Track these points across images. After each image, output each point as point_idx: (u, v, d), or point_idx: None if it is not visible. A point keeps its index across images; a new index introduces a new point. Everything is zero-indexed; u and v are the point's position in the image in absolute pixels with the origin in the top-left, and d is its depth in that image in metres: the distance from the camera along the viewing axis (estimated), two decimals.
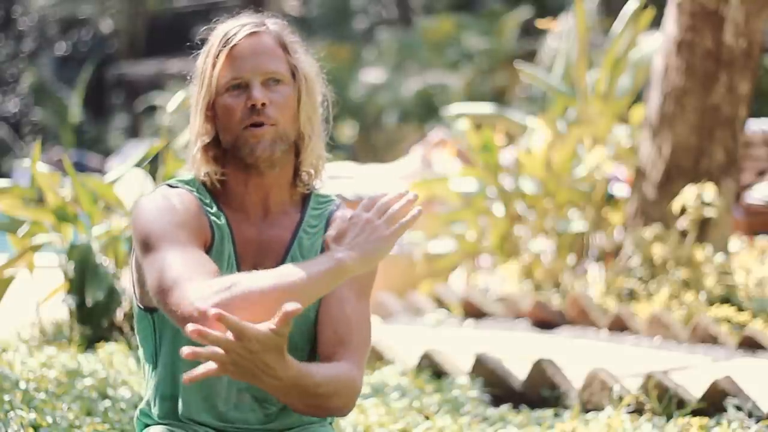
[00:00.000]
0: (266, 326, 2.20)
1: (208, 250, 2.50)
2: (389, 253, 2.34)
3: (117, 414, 3.68)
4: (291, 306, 2.17)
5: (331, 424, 2.64)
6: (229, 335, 2.18)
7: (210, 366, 2.20)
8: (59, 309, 5.54)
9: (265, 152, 2.50)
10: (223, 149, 2.56)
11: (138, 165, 5.58)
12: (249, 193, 2.56)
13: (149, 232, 2.43)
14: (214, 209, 2.55)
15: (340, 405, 2.41)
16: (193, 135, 2.57)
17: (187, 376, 2.19)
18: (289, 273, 2.29)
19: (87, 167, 20.93)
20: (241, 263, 2.52)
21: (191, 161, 2.58)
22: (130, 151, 20.52)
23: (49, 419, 3.47)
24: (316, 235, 2.57)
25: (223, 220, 2.54)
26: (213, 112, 2.54)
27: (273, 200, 2.56)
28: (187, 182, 2.58)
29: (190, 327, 2.15)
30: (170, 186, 2.56)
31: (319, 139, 2.59)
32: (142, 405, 2.62)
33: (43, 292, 5.49)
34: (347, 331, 2.48)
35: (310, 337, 2.54)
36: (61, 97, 26.82)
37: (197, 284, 2.29)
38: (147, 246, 2.42)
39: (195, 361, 2.51)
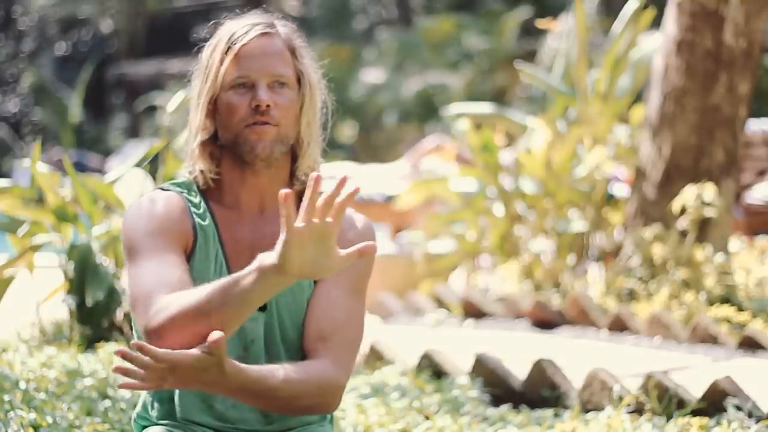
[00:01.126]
0: (200, 349, 2.28)
1: (191, 253, 2.51)
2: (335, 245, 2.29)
3: (117, 414, 3.68)
4: (215, 335, 2.24)
5: (330, 423, 2.64)
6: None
7: (144, 383, 2.29)
8: (59, 309, 5.54)
9: (264, 151, 2.51)
10: (220, 146, 2.56)
11: (138, 165, 5.58)
12: (244, 191, 2.56)
13: (128, 242, 2.50)
14: (202, 210, 2.55)
15: (308, 404, 2.43)
16: (193, 129, 2.57)
17: (120, 384, 2.29)
18: (211, 291, 2.33)
19: (87, 167, 20.92)
20: (232, 263, 2.52)
21: (189, 156, 2.59)
22: (130, 151, 20.51)
23: (49, 419, 3.47)
24: None
25: (208, 221, 2.54)
26: (214, 107, 2.54)
27: (268, 199, 2.56)
28: (179, 184, 2.59)
29: (115, 363, 2.26)
30: (163, 189, 2.57)
31: (316, 144, 2.59)
32: (138, 409, 2.61)
33: (43, 292, 5.49)
34: (331, 328, 2.48)
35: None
36: (61, 97, 26.82)
37: (152, 303, 2.38)
38: (128, 255, 2.50)
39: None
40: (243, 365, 2.34)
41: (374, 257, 2.58)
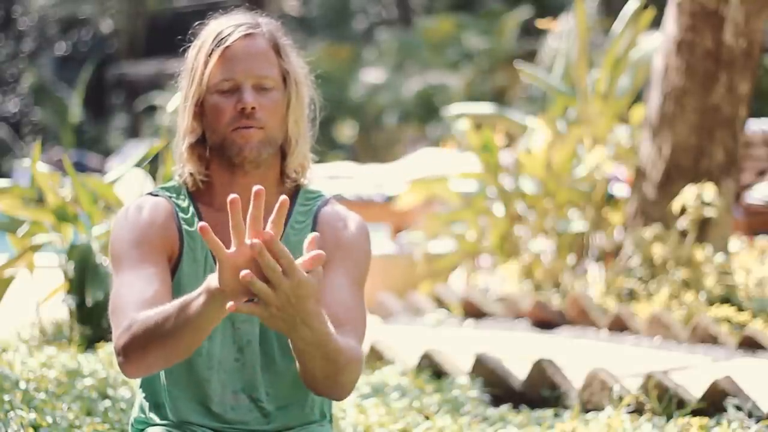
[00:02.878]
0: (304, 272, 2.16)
1: (179, 258, 2.50)
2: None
3: (117, 414, 3.68)
4: (314, 251, 2.13)
5: (330, 423, 2.64)
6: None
7: (253, 306, 2.16)
8: (59, 309, 5.54)
9: (252, 153, 2.49)
10: (208, 148, 2.55)
11: (138, 165, 5.58)
12: (233, 192, 2.54)
13: (112, 251, 2.49)
14: (189, 214, 2.54)
15: (346, 381, 2.36)
16: (181, 132, 2.56)
17: (230, 305, 2.15)
18: (169, 313, 2.27)
19: (87, 167, 20.93)
20: None
21: (177, 159, 2.58)
22: (130, 151, 20.53)
23: (49, 419, 3.47)
24: (303, 231, 2.56)
25: (196, 227, 2.53)
26: (201, 109, 2.53)
27: None
28: (168, 189, 2.58)
29: (242, 272, 2.12)
30: (152, 194, 2.56)
31: (305, 141, 2.58)
32: (135, 414, 2.60)
33: (43, 292, 5.49)
34: (345, 313, 2.45)
35: None
36: (61, 97, 26.83)
37: (122, 320, 2.35)
38: (112, 265, 2.50)
39: (192, 365, 2.51)
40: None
41: (371, 253, 2.57)
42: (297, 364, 2.34)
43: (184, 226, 2.52)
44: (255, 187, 2.14)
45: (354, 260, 2.52)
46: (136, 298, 2.38)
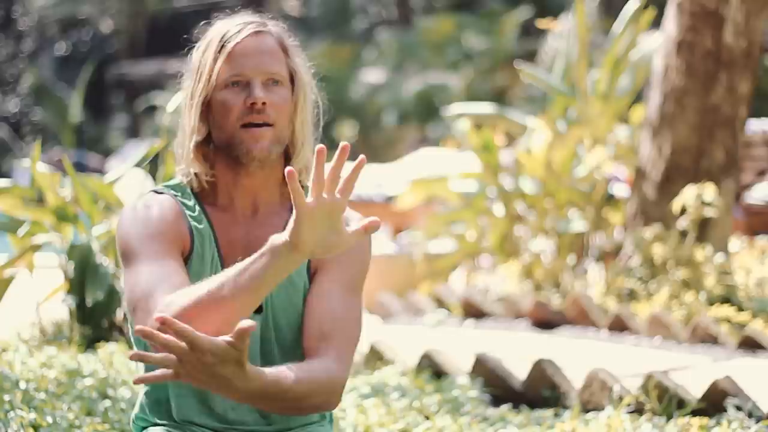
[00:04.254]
0: (223, 339, 2.20)
1: (188, 256, 2.49)
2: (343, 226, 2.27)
3: (117, 414, 3.68)
4: (245, 323, 2.17)
5: (330, 423, 2.64)
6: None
7: (164, 371, 2.21)
8: (59, 309, 5.54)
9: (262, 152, 2.49)
10: (214, 147, 2.54)
11: (138, 165, 5.58)
12: (237, 192, 2.54)
13: (125, 246, 2.46)
14: (197, 213, 2.53)
15: (316, 404, 2.39)
16: (187, 131, 2.54)
17: (137, 378, 2.22)
18: (223, 279, 2.29)
19: (87, 167, 20.94)
20: (227, 265, 2.47)
21: (183, 159, 2.56)
22: (130, 151, 20.53)
23: (49, 419, 3.47)
24: None
25: (204, 224, 2.52)
26: (208, 108, 2.53)
27: (262, 200, 2.55)
28: (172, 187, 2.57)
29: (137, 327, 2.16)
30: (157, 192, 2.55)
31: (309, 144, 2.57)
32: (136, 411, 2.60)
33: (43, 292, 5.49)
34: (330, 325, 2.45)
35: (300, 333, 2.53)
36: (61, 97, 26.83)
37: (155, 303, 2.33)
38: (124, 259, 2.46)
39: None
40: (259, 368, 2.29)
41: (370, 255, 2.57)
42: None
43: (194, 224, 2.52)
44: (342, 143, 2.21)
45: (349, 262, 2.51)
46: (166, 283, 2.36)
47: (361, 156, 2.22)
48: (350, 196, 2.25)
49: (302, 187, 2.60)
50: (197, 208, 2.54)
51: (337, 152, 2.23)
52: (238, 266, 2.29)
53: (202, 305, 2.28)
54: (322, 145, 2.21)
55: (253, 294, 2.28)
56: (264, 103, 2.48)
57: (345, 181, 2.24)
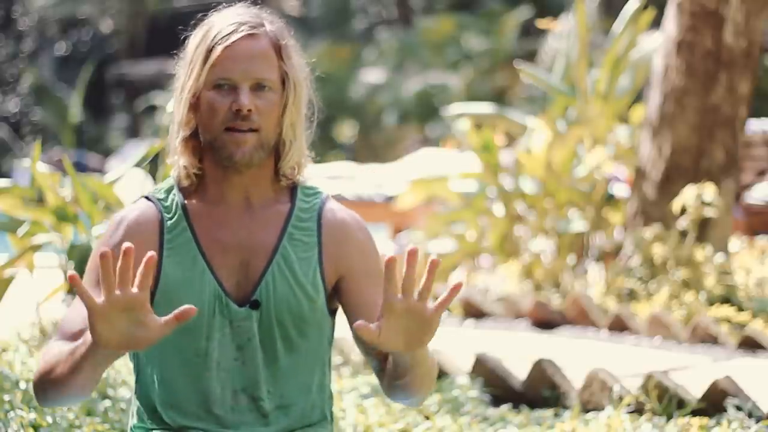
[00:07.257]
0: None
1: (158, 267, 2.47)
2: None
3: (117, 414, 3.68)
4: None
5: (331, 423, 2.63)
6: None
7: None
8: (59, 309, 5.54)
9: (243, 158, 2.47)
10: (202, 142, 2.53)
11: (138, 165, 5.58)
12: (228, 188, 2.52)
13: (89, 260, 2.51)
14: (176, 217, 2.51)
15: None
16: (176, 124, 2.54)
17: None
18: (68, 348, 2.32)
19: (87, 167, 20.94)
20: (216, 263, 2.49)
21: (171, 151, 2.55)
22: (130, 151, 20.54)
23: (49, 419, 3.47)
24: (308, 228, 2.54)
25: (180, 229, 2.50)
26: (197, 102, 2.52)
27: (254, 194, 2.53)
28: (161, 191, 2.55)
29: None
30: (147, 198, 2.55)
31: (301, 143, 2.55)
32: (134, 421, 2.58)
33: (43, 292, 5.49)
34: None
35: (306, 328, 2.53)
36: (61, 97, 26.84)
37: (49, 345, 2.41)
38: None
39: (189, 367, 2.50)
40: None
41: (380, 256, 2.57)
42: (395, 382, 2.45)
43: (166, 236, 2.50)
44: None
45: (376, 270, 2.56)
46: (66, 329, 2.42)
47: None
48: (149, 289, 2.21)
49: (295, 183, 2.59)
50: (178, 211, 2.52)
51: (121, 255, 2.16)
52: (76, 343, 2.31)
53: (45, 376, 2.36)
54: (106, 250, 2.14)
55: (79, 375, 2.31)
56: (249, 110, 2.46)
57: (140, 275, 2.18)
